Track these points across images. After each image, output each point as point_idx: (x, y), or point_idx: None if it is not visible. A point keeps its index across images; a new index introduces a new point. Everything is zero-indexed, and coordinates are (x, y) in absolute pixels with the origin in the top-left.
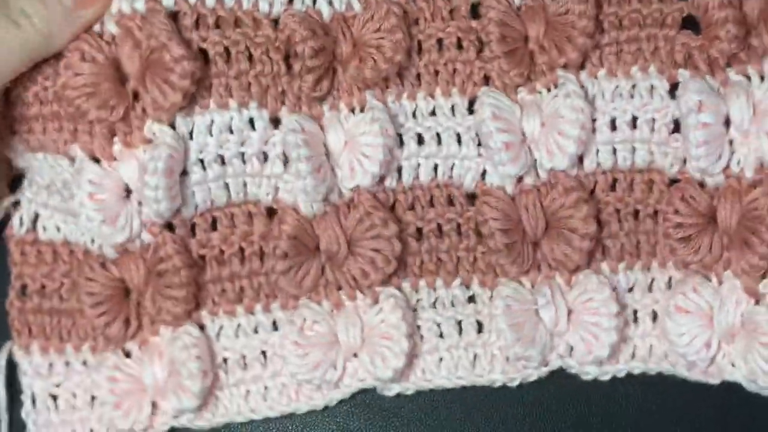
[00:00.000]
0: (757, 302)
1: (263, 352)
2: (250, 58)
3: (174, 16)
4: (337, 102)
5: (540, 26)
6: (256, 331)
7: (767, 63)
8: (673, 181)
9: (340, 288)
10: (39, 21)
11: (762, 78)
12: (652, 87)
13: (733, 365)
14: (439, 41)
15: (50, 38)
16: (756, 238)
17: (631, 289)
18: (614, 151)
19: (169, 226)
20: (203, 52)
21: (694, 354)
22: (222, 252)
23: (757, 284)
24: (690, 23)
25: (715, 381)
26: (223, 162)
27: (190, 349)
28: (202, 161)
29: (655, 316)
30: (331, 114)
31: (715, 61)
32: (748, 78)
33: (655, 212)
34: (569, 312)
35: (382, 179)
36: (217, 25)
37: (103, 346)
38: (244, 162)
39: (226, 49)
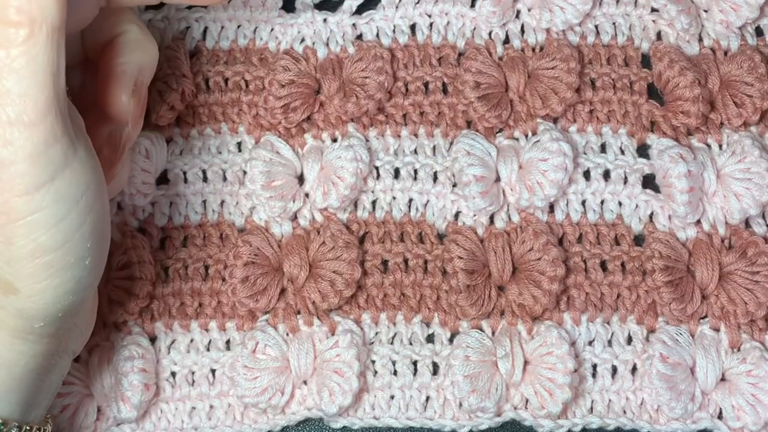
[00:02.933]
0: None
1: (212, 371)
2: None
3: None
4: (320, 132)
5: (520, 77)
6: (208, 349)
7: (725, 133)
8: (638, 237)
9: (298, 312)
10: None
11: (720, 146)
12: (621, 145)
13: (719, 415)
14: (426, 84)
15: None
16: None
17: (591, 343)
18: (584, 202)
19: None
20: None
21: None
22: (186, 267)
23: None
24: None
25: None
26: (205, 178)
27: (135, 360)
28: (185, 173)
29: (614, 371)
30: (313, 142)
31: (677, 129)
32: (708, 146)
33: (623, 264)
34: (526, 362)
35: (355, 208)
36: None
37: None
38: (225, 179)
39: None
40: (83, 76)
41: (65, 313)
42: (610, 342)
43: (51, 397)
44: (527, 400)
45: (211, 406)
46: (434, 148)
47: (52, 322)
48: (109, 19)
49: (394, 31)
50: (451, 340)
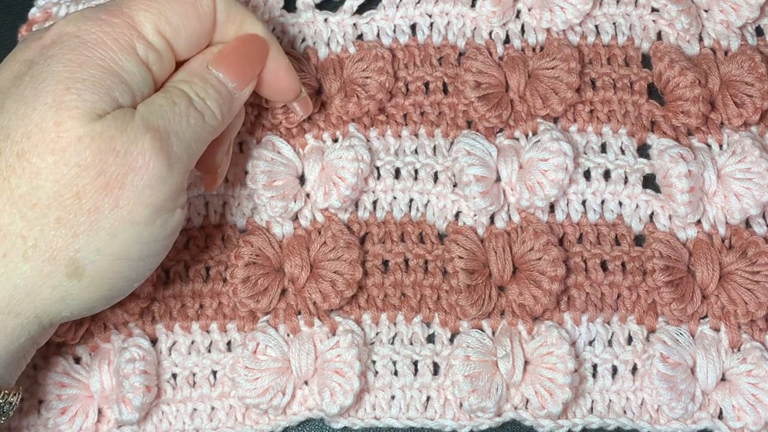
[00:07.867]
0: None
1: (214, 372)
2: None
3: None
4: (321, 133)
5: (521, 77)
6: (209, 350)
7: (725, 133)
8: (638, 237)
9: (299, 313)
10: (216, 109)
11: (720, 146)
12: (622, 145)
13: (719, 415)
14: (426, 84)
15: (223, 122)
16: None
17: (591, 343)
18: (584, 202)
19: None
20: None
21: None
22: (187, 268)
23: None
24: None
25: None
26: None
27: (136, 362)
28: None
29: (615, 371)
30: (314, 142)
31: (677, 129)
32: (708, 146)
33: (623, 264)
34: (526, 362)
35: (356, 208)
36: None
37: (54, 346)
38: (226, 180)
39: None
40: None
41: (77, 315)
42: (610, 342)
43: (16, 377)
44: (527, 400)
45: (213, 408)
46: (435, 148)
47: (60, 320)
48: None
49: (394, 31)
50: (451, 340)
